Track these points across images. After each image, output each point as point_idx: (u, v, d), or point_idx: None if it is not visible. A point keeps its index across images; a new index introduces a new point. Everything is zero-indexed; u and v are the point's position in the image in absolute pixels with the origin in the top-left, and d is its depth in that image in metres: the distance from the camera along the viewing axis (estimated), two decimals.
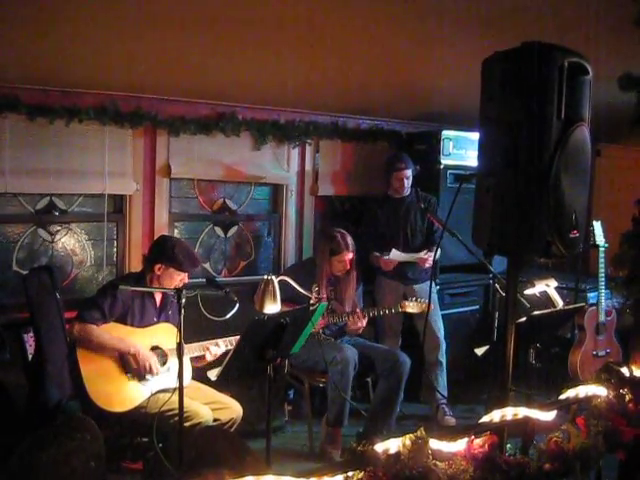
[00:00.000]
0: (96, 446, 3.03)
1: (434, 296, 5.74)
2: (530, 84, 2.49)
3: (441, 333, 5.68)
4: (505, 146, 2.56)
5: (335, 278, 5.14)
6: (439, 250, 5.65)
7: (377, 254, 5.60)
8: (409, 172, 5.62)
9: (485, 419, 2.37)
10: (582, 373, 5.59)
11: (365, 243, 5.68)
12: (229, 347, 4.10)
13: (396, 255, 5.48)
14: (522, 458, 2.15)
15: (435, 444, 2.03)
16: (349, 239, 5.05)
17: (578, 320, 5.71)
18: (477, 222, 2.72)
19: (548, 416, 2.39)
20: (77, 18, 3.51)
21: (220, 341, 4.15)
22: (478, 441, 2.14)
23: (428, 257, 5.45)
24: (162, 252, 4.13)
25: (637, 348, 3.08)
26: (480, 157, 2.76)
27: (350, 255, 5.05)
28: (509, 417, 2.34)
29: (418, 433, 1.96)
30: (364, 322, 5.03)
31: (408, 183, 5.63)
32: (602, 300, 5.70)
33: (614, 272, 3.44)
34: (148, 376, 3.91)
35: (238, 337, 3.65)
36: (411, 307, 5.13)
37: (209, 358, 4.13)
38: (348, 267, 5.08)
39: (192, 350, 4.07)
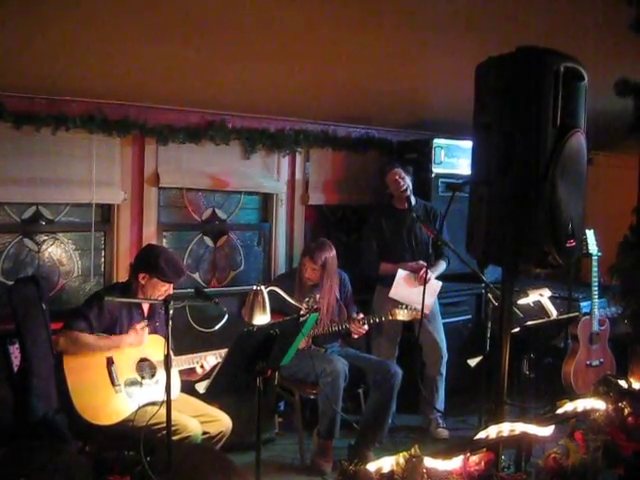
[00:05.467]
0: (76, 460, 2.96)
1: (437, 306, 5.68)
2: (525, 90, 2.45)
3: (443, 344, 5.61)
4: (499, 154, 2.52)
5: (311, 287, 5.08)
6: (444, 265, 5.61)
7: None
8: (400, 171, 5.52)
9: (481, 435, 2.30)
10: (576, 383, 5.56)
11: (369, 253, 5.64)
12: (218, 359, 4.03)
13: (402, 275, 5.41)
14: (520, 475, 2.09)
15: (430, 462, 1.97)
16: (322, 254, 4.98)
17: (571, 330, 5.68)
18: (471, 231, 2.68)
19: (546, 431, 2.33)
20: (64, 25, 3.45)
21: (210, 355, 4.08)
22: (474, 458, 2.08)
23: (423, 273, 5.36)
24: (146, 261, 4.07)
25: (635, 359, 3.03)
26: (473, 165, 2.72)
27: (313, 266, 4.98)
28: (506, 433, 2.28)
29: (412, 451, 1.90)
30: (365, 328, 4.99)
31: (404, 184, 5.51)
32: (595, 309, 5.66)
33: (608, 281, 3.39)
34: (136, 387, 3.84)
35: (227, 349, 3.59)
36: (402, 315, 5.07)
37: (200, 372, 4.06)
38: (311, 276, 5.03)
39: (180, 362, 4.01)
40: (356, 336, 5.03)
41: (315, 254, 4.96)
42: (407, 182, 5.53)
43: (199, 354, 4.09)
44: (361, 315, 5.02)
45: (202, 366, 4.06)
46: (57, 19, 3.36)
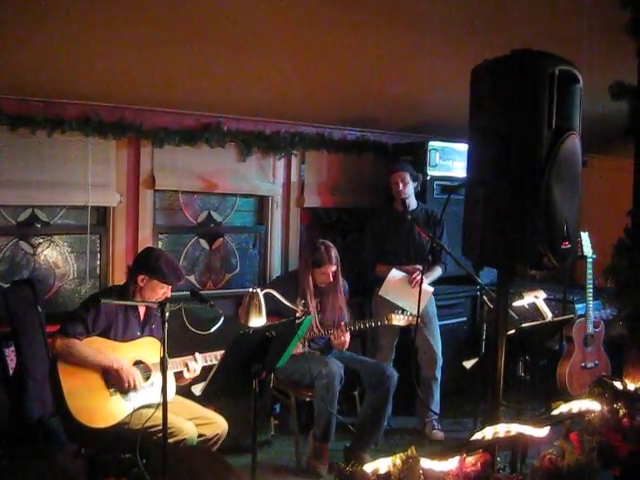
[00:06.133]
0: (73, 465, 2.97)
1: (433, 310, 5.67)
2: (520, 93, 2.46)
3: (439, 349, 5.59)
4: (495, 156, 2.52)
5: (320, 290, 5.08)
6: (439, 271, 5.60)
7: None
8: (403, 174, 5.50)
9: (477, 436, 2.31)
10: (571, 385, 5.56)
11: (366, 253, 5.66)
12: (213, 361, 4.03)
13: (395, 274, 5.42)
14: (516, 476, 2.09)
15: (426, 463, 1.97)
16: (333, 252, 4.98)
17: (566, 332, 5.68)
18: (467, 233, 2.68)
19: (541, 432, 2.34)
20: (60, 28, 3.46)
21: (199, 356, 4.07)
22: (470, 459, 2.08)
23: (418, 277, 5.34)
24: (146, 263, 4.06)
25: (630, 361, 3.04)
26: (469, 167, 2.73)
27: (333, 268, 4.98)
28: (502, 434, 2.28)
29: (409, 452, 1.90)
30: (347, 336, 4.95)
31: (405, 188, 5.49)
32: (590, 311, 5.67)
33: (603, 283, 3.41)
34: (131, 392, 3.84)
35: (222, 351, 3.59)
36: (397, 320, 5.06)
37: (187, 376, 4.04)
38: (331, 279, 5.01)
39: (176, 365, 4.00)
40: (335, 342, 4.98)
41: (332, 256, 4.97)
42: (408, 187, 5.52)
43: (182, 358, 4.07)
44: (343, 323, 4.98)
45: (187, 367, 4.04)
46: (53, 22, 3.36)
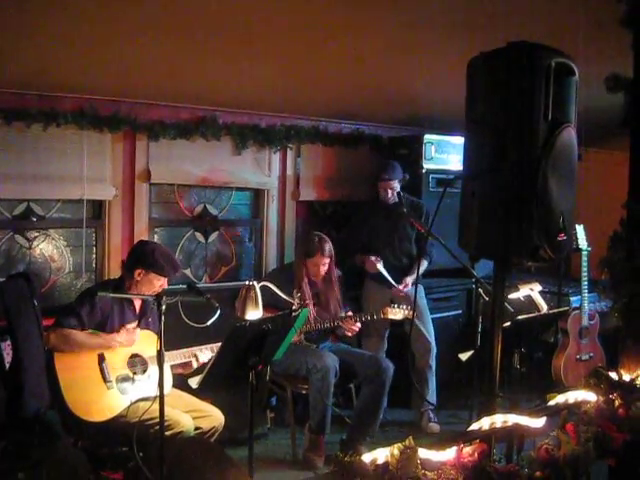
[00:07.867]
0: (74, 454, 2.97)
1: (423, 300, 5.71)
2: (516, 85, 2.46)
3: (432, 337, 5.64)
4: (491, 148, 2.53)
5: (315, 282, 5.09)
6: (425, 264, 5.62)
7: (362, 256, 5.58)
8: (393, 183, 5.55)
9: (474, 427, 2.32)
10: (566, 377, 5.58)
11: (350, 246, 5.68)
12: (213, 353, 4.04)
13: (381, 269, 5.46)
14: (513, 466, 2.11)
15: (424, 453, 1.98)
16: (327, 244, 5.01)
17: (561, 324, 5.70)
18: (463, 226, 2.69)
19: (538, 423, 2.35)
20: (55, 21, 3.44)
21: (204, 347, 4.09)
22: (467, 449, 2.09)
23: (404, 288, 5.47)
24: (142, 257, 4.06)
25: (625, 352, 3.06)
26: (465, 160, 2.73)
27: (325, 260, 5.01)
28: (498, 424, 2.29)
29: (407, 442, 1.91)
30: (358, 325, 5.01)
31: (393, 194, 5.55)
32: (585, 304, 5.69)
33: (597, 275, 3.42)
34: (128, 383, 3.85)
35: (220, 344, 3.60)
36: (393, 313, 5.08)
37: (195, 365, 4.06)
38: (322, 272, 5.04)
39: (173, 357, 4.01)
40: (349, 334, 5.03)
41: (324, 248, 5.00)
42: (395, 192, 5.55)
43: (190, 349, 4.10)
44: (350, 312, 5.03)
45: (197, 358, 4.07)
46: (48, 15, 3.35)
